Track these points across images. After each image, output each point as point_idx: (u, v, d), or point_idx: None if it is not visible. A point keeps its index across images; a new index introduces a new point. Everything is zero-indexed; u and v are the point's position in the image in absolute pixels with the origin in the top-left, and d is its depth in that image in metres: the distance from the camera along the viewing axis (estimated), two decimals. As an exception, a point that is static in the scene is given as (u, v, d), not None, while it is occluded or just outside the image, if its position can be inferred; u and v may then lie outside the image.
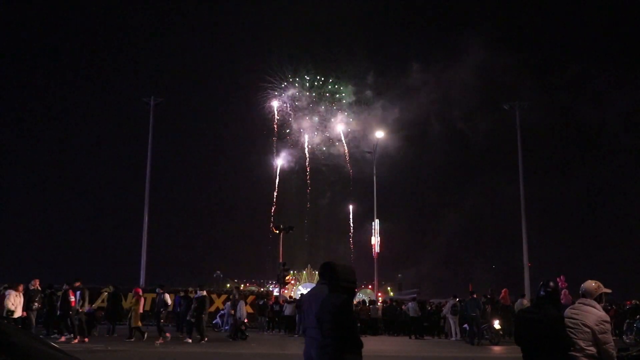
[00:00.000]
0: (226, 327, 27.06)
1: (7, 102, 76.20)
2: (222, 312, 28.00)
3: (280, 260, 34.33)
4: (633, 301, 27.06)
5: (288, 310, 26.49)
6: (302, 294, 30.39)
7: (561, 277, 16.93)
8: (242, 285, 61.89)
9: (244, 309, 21.66)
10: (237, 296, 22.80)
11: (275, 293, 34.37)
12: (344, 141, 63.41)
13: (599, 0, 62.95)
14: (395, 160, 59.73)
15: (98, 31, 77.72)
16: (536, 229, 50.31)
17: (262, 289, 47.13)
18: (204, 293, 20.59)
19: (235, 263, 72.15)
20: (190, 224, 73.87)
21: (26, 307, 17.40)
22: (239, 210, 72.42)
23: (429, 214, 63.80)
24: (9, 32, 76.84)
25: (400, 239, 59.28)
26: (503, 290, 24.72)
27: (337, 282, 5.35)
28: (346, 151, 63.10)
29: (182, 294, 24.41)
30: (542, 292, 5.90)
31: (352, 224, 64.23)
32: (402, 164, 60.38)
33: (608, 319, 5.78)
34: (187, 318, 20.28)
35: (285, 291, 38.66)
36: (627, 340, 21.57)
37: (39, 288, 18.83)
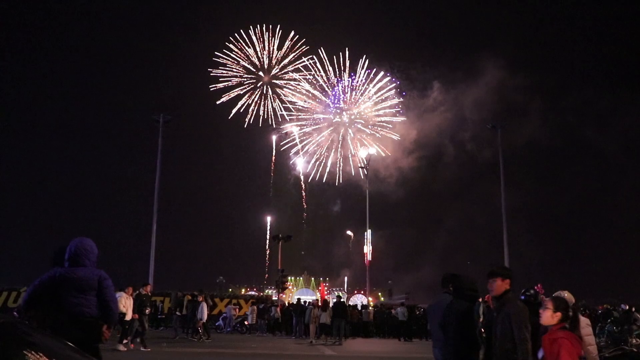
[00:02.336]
0: (228, 329, 26.97)
1: (19, 117, 76.07)
2: (224, 314, 27.94)
3: (279, 267, 34.19)
4: (604, 306, 27.05)
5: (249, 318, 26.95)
6: (309, 299, 30.28)
7: (539, 285, 16.90)
8: (244, 290, 61.56)
9: (205, 311, 21.01)
10: (199, 298, 22.05)
11: (274, 298, 34.28)
12: (361, 159, 61.85)
13: (606, 29, 63.88)
14: (408, 179, 59.10)
15: (109, 48, 77.84)
16: (531, 235, 50.85)
17: (261, 294, 46.94)
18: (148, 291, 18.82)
19: (237, 269, 71.79)
20: (196, 232, 73.63)
21: (138, 310, 16.63)
22: (243, 219, 72.22)
23: (432, 226, 63.38)
24: (21, 49, 76.85)
25: (402, 248, 59.13)
26: (486, 297, 24.70)
27: (461, 290, 5.69)
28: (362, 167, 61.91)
29: (190, 297, 24.25)
30: (522, 298, 5.96)
31: (351, 233, 63.58)
32: (415, 182, 59.74)
33: (589, 322, 5.88)
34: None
35: (283, 296, 38.50)
36: (600, 343, 21.53)
37: (150, 294, 18.07)
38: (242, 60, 63.54)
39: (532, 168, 61.78)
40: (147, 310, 17.08)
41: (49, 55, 77.75)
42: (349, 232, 63.34)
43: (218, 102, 64.43)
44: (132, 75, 78.36)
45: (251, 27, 64.60)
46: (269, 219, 63.81)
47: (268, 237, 61.43)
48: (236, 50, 64.14)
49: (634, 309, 23.51)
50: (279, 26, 64.00)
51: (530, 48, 65.98)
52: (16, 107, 76.67)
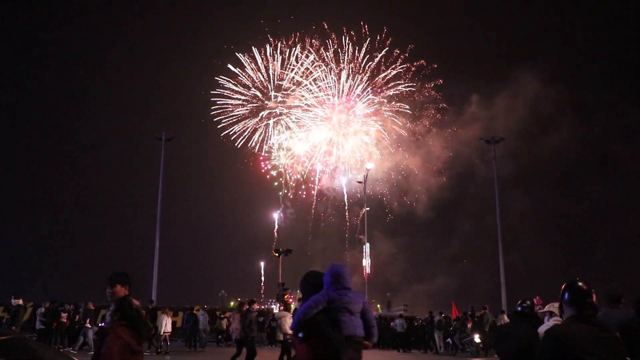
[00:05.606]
0: (228, 342, 26.78)
1: (21, 129, 76.43)
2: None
3: (280, 281, 34.17)
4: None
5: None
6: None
7: (537, 297, 16.88)
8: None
9: (164, 323, 20.28)
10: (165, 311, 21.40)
11: (275, 311, 34.12)
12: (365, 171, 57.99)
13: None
14: (435, 197, 57.84)
15: (114, 66, 78.23)
16: (546, 243, 50.85)
17: (262, 307, 46.72)
18: (20, 302, 17.15)
19: (239, 283, 71.62)
20: (198, 247, 73.52)
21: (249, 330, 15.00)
22: (244, 234, 72.22)
23: (445, 236, 62.33)
24: (24, 61, 77.32)
25: (411, 257, 58.57)
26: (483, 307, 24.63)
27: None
28: (360, 182, 58.37)
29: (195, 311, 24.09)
30: (518, 309, 5.96)
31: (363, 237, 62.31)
32: (443, 200, 58.27)
33: None
34: None
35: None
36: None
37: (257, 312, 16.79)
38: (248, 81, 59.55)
39: (556, 179, 61.74)
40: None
41: (51, 68, 78.22)
42: (360, 237, 62.44)
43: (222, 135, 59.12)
44: (135, 91, 78.80)
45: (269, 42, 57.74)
46: (275, 218, 62.42)
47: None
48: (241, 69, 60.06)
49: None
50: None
51: (569, 62, 65.89)
52: (17, 123, 76.94)
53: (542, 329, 5.77)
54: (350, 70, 58.17)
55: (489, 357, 19.85)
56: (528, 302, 5.97)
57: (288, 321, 14.70)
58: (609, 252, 55.44)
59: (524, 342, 5.56)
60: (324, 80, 58.63)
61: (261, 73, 58.37)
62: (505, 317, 22.14)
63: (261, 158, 60.23)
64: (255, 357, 13.86)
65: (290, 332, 14.48)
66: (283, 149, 60.40)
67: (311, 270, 5.64)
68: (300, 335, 5.05)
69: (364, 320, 5.24)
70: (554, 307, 5.91)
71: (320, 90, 58.76)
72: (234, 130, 58.57)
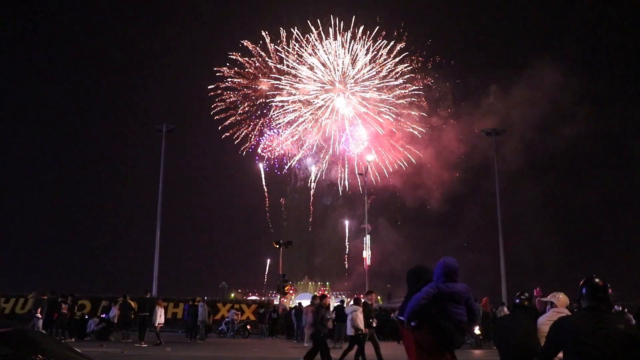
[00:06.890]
0: (231, 334, 26.93)
1: (23, 124, 76.36)
2: (227, 319, 27.93)
3: (280, 272, 34.26)
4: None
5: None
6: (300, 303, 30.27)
7: (537, 289, 16.96)
8: (245, 295, 61.40)
9: (158, 315, 20.45)
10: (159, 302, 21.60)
11: (276, 302, 34.29)
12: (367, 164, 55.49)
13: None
14: (448, 189, 57.06)
15: (114, 56, 78.18)
16: (555, 234, 50.98)
17: (263, 298, 46.86)
18: None
19: (240, 274, 71.80)
20: (199, 239, 73.69)
21: (366, 324, 15.03)
22: (245, 225, 72.27)
23: (452, 227, 61.82)
24: (25, 59, 77.15)
25: (418, 246, 58.35)
26: (484, 299, 24.71)
27: None
28: (360, 174, 55.87)
29: (196, 302, 24.17)
30: (517, 301, 5.99)
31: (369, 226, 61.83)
32: (453, 192, 57.72)
33: None
34: None
35: (284, 300, 38.45)
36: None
37: (374, 303, 16.73)
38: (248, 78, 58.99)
39: (568, 171, 61.60)
40: (374, 323, 15.62)
41: (53, 64, 78.08)
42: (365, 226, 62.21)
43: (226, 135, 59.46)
44: (136, 83, 78.68)
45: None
46: (268, 221, 62.81)
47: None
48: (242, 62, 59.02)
49: (626, 310, 23.50)
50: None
51: (586, 54, 65.30)
52: (20, 116, 76.89)
53: (541, 320, 5.80)
54: (366, 64, 58.07)
55: (488, 350, 19.94)
56: (526, 294, 5.99)
57: (360, 316, 14.73)
58: (616, 245, 55.47)
59: (523, 335, 5.58)
60: (339, 73, 58.61)
61: (273, 63, 58.25)
62: (505, 309, 22.21)
63: (266, 153, 60.34)
64: (328, 353, 13.71)
65: (362, 327, 14.76)
66: (295, 144, 60.40)
67: (418, 265, 6.23)
68: (412, 324, 5.54)
69: (467, 308, 5.66)
70: (555, 297, 5.95)
71: (335, 82, 58.76)
72: (239, 133, 58.53)
